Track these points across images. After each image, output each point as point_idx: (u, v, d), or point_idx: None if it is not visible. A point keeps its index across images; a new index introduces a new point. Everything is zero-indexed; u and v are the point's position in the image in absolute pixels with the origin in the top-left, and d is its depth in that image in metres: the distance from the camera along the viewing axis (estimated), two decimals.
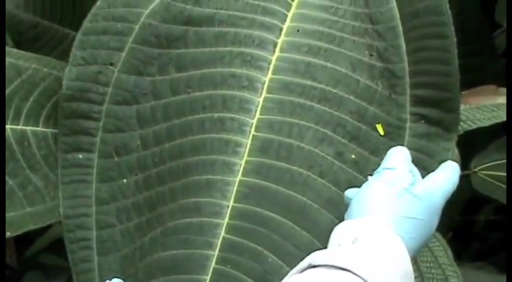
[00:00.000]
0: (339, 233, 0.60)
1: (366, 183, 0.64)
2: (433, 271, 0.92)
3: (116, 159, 0.74)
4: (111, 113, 0.75)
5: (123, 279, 0.69)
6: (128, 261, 0.70)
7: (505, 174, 0.99)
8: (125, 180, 0.73)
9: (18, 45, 1.03)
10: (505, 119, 0.90)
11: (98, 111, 0.75)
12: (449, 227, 1.21)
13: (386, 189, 0.62)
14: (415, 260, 0.92)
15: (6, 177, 0.76)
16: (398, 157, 0.65)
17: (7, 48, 0.84)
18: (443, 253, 0.94)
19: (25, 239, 1.08)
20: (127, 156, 0.73)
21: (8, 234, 0.74)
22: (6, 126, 0.78)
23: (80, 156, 0.75)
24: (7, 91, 0.80)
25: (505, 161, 1.00)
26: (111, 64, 0.75)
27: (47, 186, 0.77)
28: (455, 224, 1.30)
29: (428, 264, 0.93)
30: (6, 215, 0.74)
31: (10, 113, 0.79)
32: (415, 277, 0.91)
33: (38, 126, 0.80)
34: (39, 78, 0.82)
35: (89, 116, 0.75)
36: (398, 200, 0.61)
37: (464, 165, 1.01)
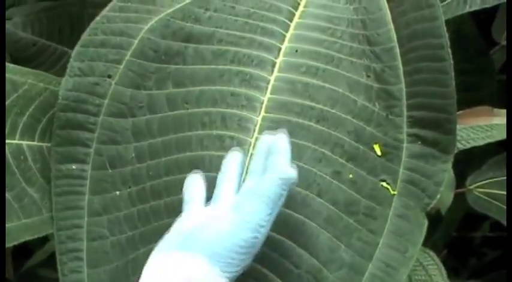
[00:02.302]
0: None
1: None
2: None
3: (110, 171, 0.74)
4: (106, 124, 0.75)
5: None
6: (119, 273, 0.70)
7: (501, 191, 1.00)
8: (118, 193, 0.73)
9: (16, 63, 1.04)
10: (499, 138, 0.91)
11: (94, 122, 0.75)
12: (445, 244, 1.22)
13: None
14: (409, 279, 0.93)
15: None
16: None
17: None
18: (437, 271, 0.94)
19: (23, 253, 1.09)
20: (121, 169, 0.74)
21: None
22: None
23: (74, 167, 0.75)
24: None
25: (500, 178, 1.02)
26: (109, 76, 0.76)
27: (43, 198, 0.78)
28: (452, 241, 1.31)
29: None
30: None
31: (6, 128, 0.80)
32: None
33: (33, 141, 0.80)
34: (35, 93, 0.83)
35: (84, 126, 0.75)
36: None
37: (459, 182, 1.02)
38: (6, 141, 0.79)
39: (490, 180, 1.03)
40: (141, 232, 0.71)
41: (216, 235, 0.59)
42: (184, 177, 0.71)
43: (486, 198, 1.02)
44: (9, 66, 0.85)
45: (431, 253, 0.97)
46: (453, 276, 1.23)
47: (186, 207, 0.66)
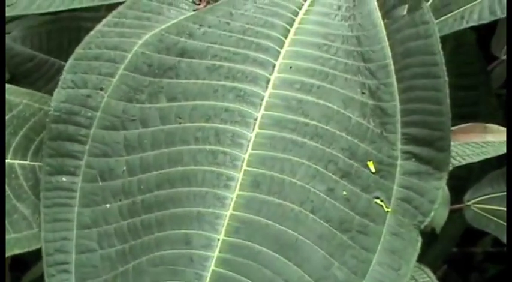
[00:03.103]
0: None
1: None
2: None
3: (100, 183, 0.73)
4: (98, 137, 0.75)
5: None
6: None
7: (500, 207, 1.00)
8: (108, 205, 0.73)
9: (14, 78, 1.05)
10: (494, 155, 0.91)
11: (85, 134, 0.75)
12: (444, 260, 1.21)
13: None
14: None
15: None
16: None
17: None
18: None
19: (21, 267, 1.09)
20: (111, 182, 0.73)
21: None
22: None
23: (64, 179, 0.74)
24: None
25: (499, 194, 1.01)
26: (101, 89, 0.76)
27: (34, 213, 0.77)
28: (453, 256, 1.30)
29: None
30: None
31: None
32: None
33: (26, 160, 0.80)
34: (29, 113, 0.83)
35: (75, 139, 0.75)
36: None
37: (457, 198, 1.02)
38: None
39: (489, 196, 1.03)
40: (131, 246, 0.71)
41: None
42: (176, 192, 0.71)
43: (484, 214, 1.02)
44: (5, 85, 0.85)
45: (427, 270, 0.96)
46: None
47: None
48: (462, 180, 1.10)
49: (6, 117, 0.82)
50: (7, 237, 0.76)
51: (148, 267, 0.69)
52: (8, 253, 0.75)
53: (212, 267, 0.68)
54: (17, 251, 0.75)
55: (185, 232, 0.69)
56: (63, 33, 1.12)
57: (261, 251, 0.68)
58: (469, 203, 1.03)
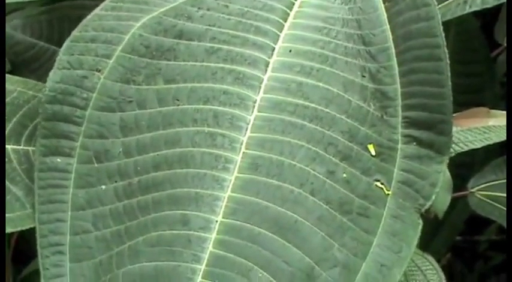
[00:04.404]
0: None
1: None
2: None
3: (96, 165, 0.72)
4: (93, 118, 0.74)
5: None
6: (102, 268, 0.68)
7: (503, 194, 0.99)
8: (103, 187, 0.72)
9: (15, 66, 1.04)
10: (497, 141, 0.90)
11: (81, 115, 0.74)
12: (448, 248, 1.21)
13: None
14: None
15: None
16: None
17: None
18: (436, 276, 0.93)
19: (23, 259, 1.08)
20: (107, 163, 0.72)
21: None
22: None
23: (59, 160, 0.73)
24: None
25: (503, 181, 1.00)
26: (98, 70, 0.75)
27: (27, 195, 0.77)
28: (458, 244, 1.30)
29: None
30: None
31: None
32: None
33: (19, 145, 0.80)
34: (23, 100, 0.82)
35: (70, 119, 0.74)
36: None
37: (461, 186, 1.01)
38: None
39: (492, 183, 1.02)
40: (126, 227, 0.70)
41: None
42: (174, 173, 0.70)
43: (488, 201, 1.01)
44: None
45: (430, 258, 0.95)
46: (460, 281, 1.21)
47: None
48: (466, 167, 1.09)
49: None
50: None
51: (145, 248, 0.68)
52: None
53: (210, 248, 0.67)
54: (9, 230, 0.75)
55: (183, 213, 0.68)
56: (64, 21, 1.11)
57: (259, 233, 0.67)
58: (472, 190, 1.02)
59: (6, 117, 0.81)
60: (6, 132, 0.80)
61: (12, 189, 0.77)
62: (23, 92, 0.83)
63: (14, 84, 0.84)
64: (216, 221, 0.68)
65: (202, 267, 0.66)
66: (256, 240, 0.67)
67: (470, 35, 1.16)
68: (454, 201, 1.02)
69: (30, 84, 0.86)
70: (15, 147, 0.80)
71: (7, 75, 0.86)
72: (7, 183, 0.77)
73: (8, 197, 0.76)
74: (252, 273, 0.66)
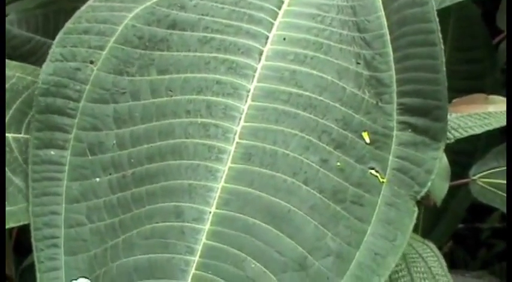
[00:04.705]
0: None
1: None
2: None
3: (90, 157, 0.72)
4: (87, 110, 0.74)
5: (90, 280, 0.68)
6: (97, 260, 0.69)
7: (504, 181, 0.98)
8: (97, 179, 0.72)
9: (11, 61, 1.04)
10: (497, 126, 0.89)
11: (74, 107, 0.74)
12: (450, 236, 1.20)
13: None
14: (408, 271, 0.92)
15: None
16: None
17: None
18: (437, 263, 0.92)
19: (25, 250, 1.08)
20: (101, 155, 0.72)
21: None
22: None
23: (52, 152, 0.73)
24: None
25: (504, 168, 1.00)
26: (91, 62, 0.75)
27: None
28: (461, 232, 1.29)
29: (421, 275, 0.92)
30: None
31: None
32: None
33: (20, 133, 0.79)
34: (22, 86, 0.81)
35: (64, 112, 0.74)
36: None
37: (462, 173, 1.01)
38: None
39: (494, 170, 1.01)
40: (121, 219, 0.70)
41: None
42: (167, 165, 0.69)
43: (490, 188, 1.00)
44: None
45: (431, 245, 0.95)
46: (463, 268, 1.21)
47: None
48: (467, 155, 1.08)
49: None
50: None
51: (139, 240, 0.68)
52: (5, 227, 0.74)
53: (203, 240, 0.67)
54: (12, 225, 0.74)
55: (176, 205, 0.68)
56: (60, 15, 1.11)
57: (253, 223, 0.67)
58: (474, 178, 1.01)
59: (6, 105, 0.80)
60: (6, 119, 0.80)
61: (14, 180, 0.76)
62: (21, 77, 0.83)
63: (12, 69, 0.84)
64: (210, 212, 0.68)
65: (196, 258, 0.66)
66: (249, 230, 0.67)
67: (471, 21, 1.15)
68: (456, 189, 1.02)
69: (29, 69, 0.85)
70: (16, 135, 0.79)
71: (6, 60, 0.85)
72: (9, 174, 0.76)
73: (10, 189, 0.75)
74: (245, 263, 0.66)
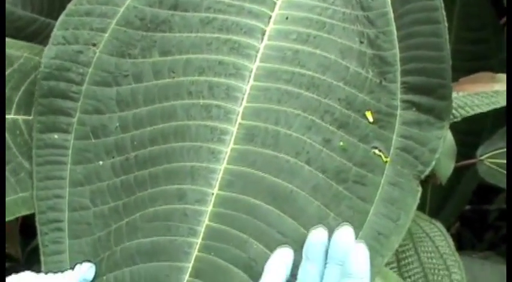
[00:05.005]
0: None
1: None
2: (434, 261, 0.91)
3: (93, 140, 0.72)
4: (90, 93, 0.74)
5: (94, 263, 0.68)
6: (101, 244, 0.69)
7: None
8: (101, 163, 0.72)
9: None
10: (503, 104, 0.88)
11: (77, 91, 0.74)
12: (457, 217, 1.20)
13: None
14: (415, 250, 0.91)
15: None
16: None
17: None
18: (445, 243, 0.92)
19: (30, 231, 1.09)
20: (104, 138, 0.72)
21: None
22: None
23: (56, 136, 0.73)
24: None
25: None
26: (93, 44, 0.74)
27: None
28: (467, 214, 1.28)
29: (429, 254, 0.92)
30: None
31: None
32: (416, 267, 0.91)
33: (29, 115, 0.78)
34: (30, 67, 0.81)
35: (66, 95, 0.74)
36: None
37: (470, 153, 1.00)
38: None
39: (501, 151, 1.01)
40: (124, 203, 0.70)
41: None
42: (170, 147, 0.69)
43: (497, 168, 0.99)
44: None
45: (438, 224, 0.94)
46: (469, 250, 1.20)
47: None
48: (475, 135, 1.08)
49: (7, 71, 0.80)
50: (14, 197, 0.75)
51: (142, 223, 0.68)
52: (16, 214, 0.74)
53: (206, 221, 0.67)
54: (24, 212, 0.74)
55: (179, 187, 0.68)
56: None
57: (255, 204, 0.67)
58: (481, 158, 1.01)
59: (14, 86, 0.80)
60: (16, 101, 0.79)
61: (25, 164, 0.76)
62: (29, 58, 0.82)
63: (19, 49, 0.83)
64: (212, 194, 0.68)
65: (199, 240, 0.66)
66: (251, 211, 0.67)
67: (477, 1, 1.13)
68: (463, 170, 1.01)
69: (36, 49, 0.84)
70: (25, 117, 0.79)
71: (12, 40, 0.85)
72: (19, 158, 0.76)
73: (21, 174, 0.76)
74: (247, 244, 0.66)
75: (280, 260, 0.64)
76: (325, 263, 0.63)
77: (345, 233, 0.64)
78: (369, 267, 0.61)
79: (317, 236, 0.64)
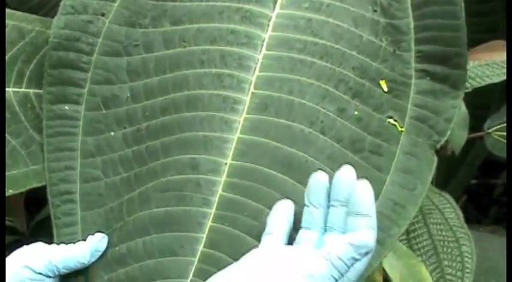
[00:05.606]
0: None
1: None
2: (443, 233, 0.91)
3: (104, 111, 0.71)
4: (100, 63, 0.72)
5: (107, 234, 0.68)
6: (113, 215, 0.68)
7: None
8: (112, 133, 0.71)
9: None
10: None
11: (87, 61, 0.73)
12: (463, 190, 1.19)
13: None
14: (425, 222, 0.91)
15: (9, 137, 0.74)
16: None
17: (10, 11, 0.82)
18: (454, 215, 0.92)
19: (35, 204, 1.08)
20: (115, 109, 0.71)
21: (10, 191, 0.72)
22: (8, 88, 0.76)
23: (66, 107, 0.72)
24: (10, 54, 0.78)
25: None
26: (103, 14, 0.73)
27: None
28: (473, 188, 1.28)
29: (439, 227, 0.91)
30: (9, 173, 0.73)
31: (13, 76, 0.77)
32: (426, 239, 0.90)
33: (41, 89, 0.76)
34: (42, 40, 0.80)
35: (77, 66, 0.73)
36: None
37: (478, 126, 1.00)
38: (13, 89, 0.77)
39: None
40: (136, 173, 0.69)
41: None
42: (182, 117, 0.68)
43: (504, 141, 0.99)
44: (15, 13, 0.82)
45: (448, 196, 0.94)
46: (476, 224, 1.20)
47: (263, 239, 0.63)
48: (482, 109, 1.07)
49: (19, 45, 0.79)
50: (25, 169, 0.74)
51: (154, 193, 0.67)
52: (27, 186, 0.74)
53: (220, 191, 0.66)
54: (35, 185, 0.74)
55: (192, 157, 0.67)
56: None
57: (269, 174, 0.66)
58: (489, 131, 1.00)
59: (26, 59, 0.79)
60: (27, 74, 0.78)
61: (36, 137, 0.75)
62: (41, 31, 0.81)
63: (31, 23, 0.82)
64: (225, 164, 0.67)
65: (213, 211, 0.66)
66: (266, 181, 0.66)
67: None
68: (471, 142, 1.01)
69: (48, 22, 0.81)
70: (37, 91, 0.78)
71: (24, 14, 0.83)
72: (30, 131, 0.75)
73: (32, 147, 0.75)
74: (261, 214, 0.65)
75: (281, 211, 0.64)
76: (328, 207, 0.63)
77: (347, 172, 0.63)
78: (374, 205, 0.60)
79: (318, 179, 0.63)
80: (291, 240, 0.63)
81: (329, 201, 0.63)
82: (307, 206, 0.63)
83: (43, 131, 0.73)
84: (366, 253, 0.58)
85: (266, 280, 0.56)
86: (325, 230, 0.63)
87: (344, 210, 0.61)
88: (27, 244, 0.66)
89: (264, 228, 0.64)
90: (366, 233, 0.59)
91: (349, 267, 0.58)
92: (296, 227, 0.64)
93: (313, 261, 0.57)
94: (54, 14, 0.75)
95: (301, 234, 0.63)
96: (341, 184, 0.62)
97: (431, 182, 0.97)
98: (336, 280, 0.57)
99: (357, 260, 0.58)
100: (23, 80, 0.78)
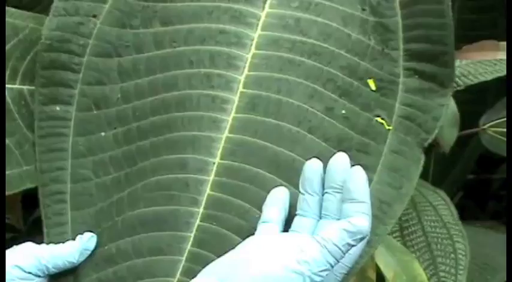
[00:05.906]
0: None
1: None
2: (437, 230, 0.91)
3: (95, 112, 0.72)
4: (91, 65, 0.73)
5: (96, 234, 0.68)
6: (103, 215, 0.69)
7: None
8: (103, 134, 0.71)
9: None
10: None
11: (78, 62, 0.73)
12: (460, 186, 1.19)
13: None
14: (419, 219, 0.91)
15: None
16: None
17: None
18: (448, 212, 0.92)
19: (33, 201, 1.09)
20: (106, 110, 0.72)
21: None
22: None
23: (58, 108, 0.73)
24: None
25: None
26: (94, 16, 0.74)
27: None
28: (470, 183, 1.28)
29: (433, 224, 0.92)
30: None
31: (7, 73, 0.78)
32: (420, 236, 0.91)
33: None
34: (36, 37, 0.79)
35: (68, 67, 0.73)
36: None
37: (473, 122, 1.00)
38: (7, 86, 0.78)
39: (504, 119, 1.00)
40: (126, 173, 0.70)
41: (261, 274, 0.57)
42: (171, 117, 0.69)
43: (500, 137, 0.99)
44: (10, 10, 0.83)
45: (442, 193, 0.94)
46: (473, 219, 1.20)
47: (259, 227, 0.64)
48: (478, 105, 1.07)
49: (13, 41, 0.80)
50: (18, 170, 0.75)
51: (144, 193, 0.68)
52: (20, 188, 0.74)
53: (208, 191, 0.67)
54: (29, 185, 0.74)
55: (180, 156, 0.68)
56: None
57: (257, 173, 0.67)
58: (484, 127, 1.00)
59: (20, 56, 0.79)
60: (21, 71, 0.79)
61: (30, 136, 0.75)
62: (34, 28, 0.81)
63: (25, 20, 0.82)
64: (214, 163, 0.67)
65: (200, 210, 0.66)
66: (253, 180, 0.67)
67: None
68: (467, 139, 1.01)
69: (42, 19, 0.81)
70: (31, 87, 0.78)
71: (18, 11, 0.84)
72: (24, 130, 0.76)
73: (26, 147, 0.75)
74: (249, 214, 0.66)
75: (276, 199, 0.65)
76: (323, 194, 0.64)
77: (341, 158, 0.64)
78: (369, 191, 0.61)
79: (312, 166, 0.64)
80: (286, 228, 0.64)
81: (323, 188, 0.63)
82: (302, 194, 0.64)
83: (35, 132, 0.73)
84: (361, 239, 0.59)
85: (262, 267, 0.57)
86: (320, 217, 0.63)
87: (339, 197, 0.62)
88: (24, 242, 0.67)
89: (252, 228, 0.65)
90: (360, 219, 0.59)
91: (344, 253, 0.58)
92: (291, 214, 0.65)
93: (308, 248, 0.58)
94: (49, 11, 0.75)
95: (297, 221, 0.64)
96: (335, 171, 0.63)
97: (427, 179, 0.97)
98: (332, 266, 0.58)
99: (352, 245, 0.58)
100: (16, 77, 0.79)
